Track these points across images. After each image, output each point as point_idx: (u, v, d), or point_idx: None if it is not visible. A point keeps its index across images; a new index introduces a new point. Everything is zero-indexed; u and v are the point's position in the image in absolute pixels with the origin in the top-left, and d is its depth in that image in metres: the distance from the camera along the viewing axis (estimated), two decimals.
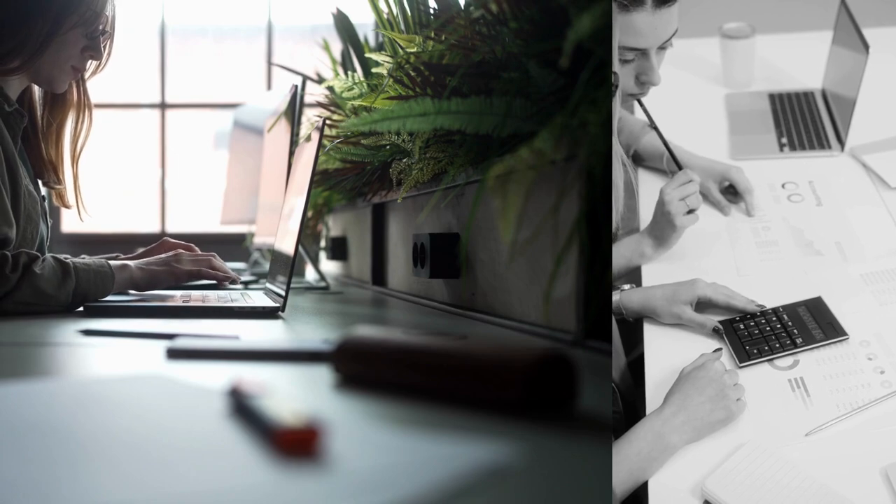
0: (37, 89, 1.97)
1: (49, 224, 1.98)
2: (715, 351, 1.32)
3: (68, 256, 1.72)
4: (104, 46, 1.88)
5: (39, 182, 1.98)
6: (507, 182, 1.13)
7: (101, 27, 1.85)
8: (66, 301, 1.66)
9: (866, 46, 1.79)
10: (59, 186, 2.01)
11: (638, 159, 1.90)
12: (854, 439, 1.23)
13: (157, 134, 7.51)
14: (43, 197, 1.97)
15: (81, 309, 1.67)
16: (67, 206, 2.04)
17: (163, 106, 7.48)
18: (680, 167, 1.62)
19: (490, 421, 0.74)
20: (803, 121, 2.04)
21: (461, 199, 1.73)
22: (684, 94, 2.20)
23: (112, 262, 1.77)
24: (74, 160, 2.01)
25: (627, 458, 1.16)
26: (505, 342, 1.26)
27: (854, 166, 1.87)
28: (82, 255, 1.82)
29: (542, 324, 1.35)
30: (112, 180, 7.57)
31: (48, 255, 1.70)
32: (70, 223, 6.85)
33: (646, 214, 1.69)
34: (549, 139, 1.13)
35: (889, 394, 1.29)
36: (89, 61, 1.90)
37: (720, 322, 1.45)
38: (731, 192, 1.79)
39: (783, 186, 1.84)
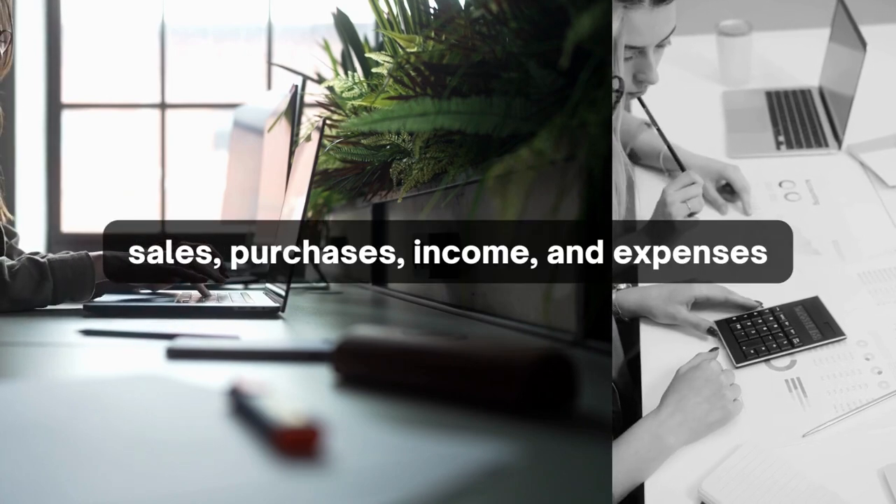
0: None
1: None
2: (711, 350, 1.32)
3: (45, 256, 1.71)
4: (2, 50, 1.88)
5: None
6: (507, 182, 1.13)
7: None
8: (47, 301, 1.69)
9: (864, 44, 1.79)
10: None
11: (634, 157, 1.89)
12: (851, 440, 1.23)
13: (156, 134, 7.50)
14: None
15: (81, 307, 1.67)
16: None
17: (163, 106, 7.46)
18: (683, 169, 1.62)
19: (490, 421, 0.74)
20: (800, 119, 2.05)
21: (461, 199, 1.73)
22: (681, 92, 2.19)
23: (93, 253, 1.75)
24: None
25: (625, 458, 1.16)
26: (505, 342, 1.26)
27: (851, 164, 1.87)
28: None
29: (542, 324, 1.35)
30: (112, 180, 7.57)
31: (24, 255, 1.70)
32: (70, 223, 6.85)
33: (642, 213, 1.69)
34: (548, 139, 1.13)
35: (886, 394, 1.29)
36: None
37: (716, 322, 1.45)
38: (728, 191, 1.79)
39: (780, 185, 1.84)
